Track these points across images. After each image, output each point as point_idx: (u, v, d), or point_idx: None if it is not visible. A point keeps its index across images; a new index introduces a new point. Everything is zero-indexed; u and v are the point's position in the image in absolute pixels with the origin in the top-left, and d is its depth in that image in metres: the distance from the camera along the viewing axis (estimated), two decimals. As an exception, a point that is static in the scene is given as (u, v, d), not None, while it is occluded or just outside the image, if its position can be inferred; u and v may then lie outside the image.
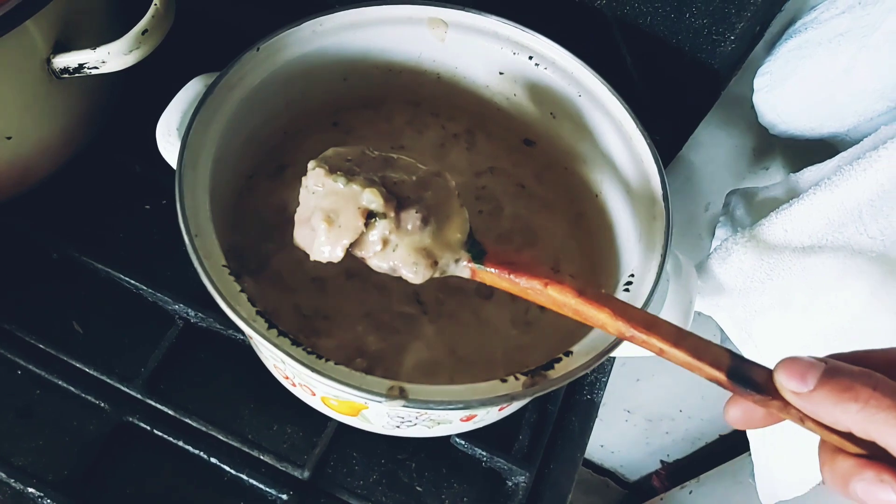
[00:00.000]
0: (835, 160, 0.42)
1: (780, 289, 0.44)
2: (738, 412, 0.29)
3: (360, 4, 0.44)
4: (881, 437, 0.25)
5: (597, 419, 1.13)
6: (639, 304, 0.36)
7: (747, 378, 0.28)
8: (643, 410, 1.08)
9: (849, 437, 0.26)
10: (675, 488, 1.12)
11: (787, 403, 0.27)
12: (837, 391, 0.25)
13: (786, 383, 0.27)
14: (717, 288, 0.46)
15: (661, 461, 1.18)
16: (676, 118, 0.52)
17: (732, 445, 1.02)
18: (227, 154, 0.40)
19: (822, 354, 0.44)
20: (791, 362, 0.27)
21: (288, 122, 0.46)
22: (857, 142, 0.43)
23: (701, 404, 1.00)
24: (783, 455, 0.55)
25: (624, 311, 0.32)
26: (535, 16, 0.45)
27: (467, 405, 0.32)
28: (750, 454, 0.59)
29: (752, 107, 0.50)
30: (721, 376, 0.29)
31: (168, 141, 0.39)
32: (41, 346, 0.45)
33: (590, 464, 1.27)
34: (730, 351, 0.29)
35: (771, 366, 0.28)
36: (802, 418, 0.27)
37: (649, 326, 0.31)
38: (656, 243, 0.38)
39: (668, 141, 0.53)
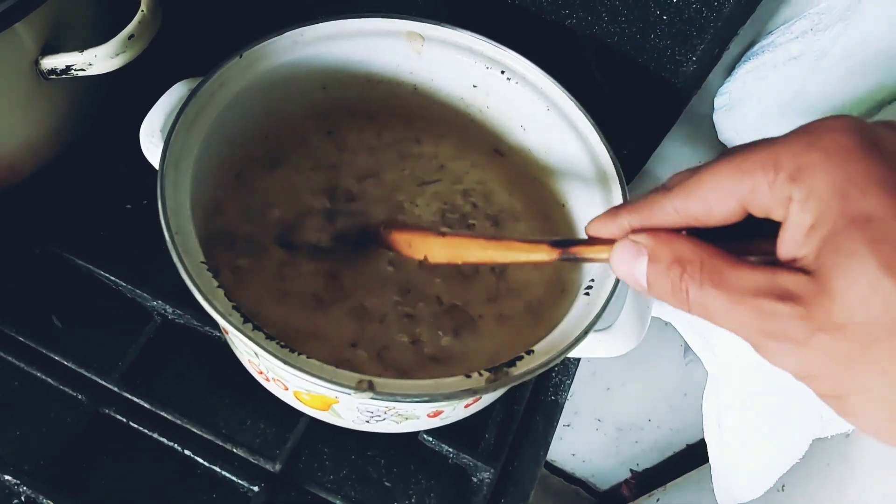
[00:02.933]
0: (786, 176, 0.45)
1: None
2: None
3: (340, 16, 0.45)
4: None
5: (568, 428, 1.14)
6: (597, 308, 0.38)
7: (579, 257, 0.32)
8: (613, 420, 1.10)
9: None
10: (643, 497, 1.14)
11: None
12: (669, 294, 0.27)
13: (621, 277, 0.29)
14: (675, 295, 0.49)
15: (631, 470, 1.20)
16: (641, 133, 0.54)
17: (699, 454, 1.04)
18: (209, 156, 0.41)
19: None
20: (618, 258, 0.28)
21: (268, 128, 0.47)
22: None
23: (669, 414, 1.02)
24: (739, 460, 0.57)
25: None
26: (508, 32, 0.47)
27: (432, 398, 0.34)
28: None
29: (713, 124, 0.52)
30: (554, 259, 0.32)
31: (151, 142, 0.41)
32: (20, 338, 0.45)
33: (561, 472, 1.29)
34: (551, 241, 0.32)
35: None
36: None
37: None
38: (616, 251, 0.40)
39: (633, 155, 0.55)
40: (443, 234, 0.38)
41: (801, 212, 0.24)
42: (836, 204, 0.23)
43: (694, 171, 0.27)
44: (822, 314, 0.23)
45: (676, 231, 0.27)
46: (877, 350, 0.22)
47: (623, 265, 0.28)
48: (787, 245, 0.24)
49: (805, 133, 0.24)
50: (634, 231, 0.28)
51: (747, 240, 0.27)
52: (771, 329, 0.24)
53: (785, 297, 0.23)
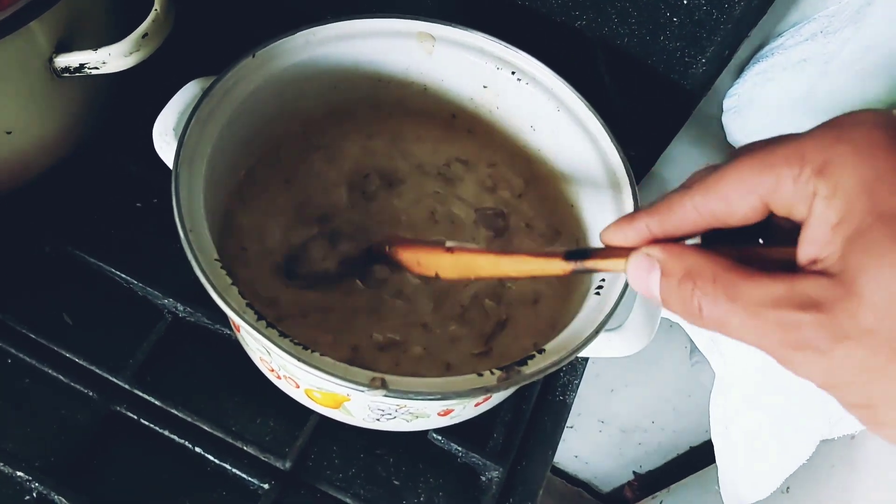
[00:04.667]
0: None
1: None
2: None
3: (352, 17, 0.46)
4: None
5: (571, 430, 1.14)
6: (608, 308, 0.38)
7: (593, 269, 0.31)
8: (617, 421, 1.10)
9: None
10: (647, 499, 1.14)
11: None
12: (682, 310, 0.26)
13: (637, 291, 0.28)
14: (684, 296, 0.49)
15: (634, 472, 1.20)
16: (650, 134, 0.54)
17: (702, 457, 1.04)
18: (221, 154, 0.41)
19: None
20: (633, 273, 0.27)
21: (279, 128, 0.47)
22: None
23: (673, 416, 1.02)
24: (746, 461, 0.57)
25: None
26: (518, 33, 0.47)
27: (445, 396, 0.34)
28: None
29: (722, 126, 0.53)
30: (567, 273, 0.31)
31: (164, 140, 0.41)
32: (32, 335, 0.46)
33: (564, 474, 1.29)
34: (564, 254, 0.31)
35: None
36: None
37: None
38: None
39: (641, 156, 0.56)
40: (450, 250, 0.37)
41: (825, 208, 0.22)
42: (863, 200, 0.22)
43: (715, 168, 0.26)
44: (847, 320, 0.21)
45: (696, 234, 0.27)
46: None
47: (638, 280, 0.27)
48: (809, 245, 0.23)
49: (833, 127, 0.23)
50: (653, 235, 0.27)
51: (765, 246, 0.26)
52: (792, 340, 0.22)
53: (806, 305, 0.22)
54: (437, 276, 0.38)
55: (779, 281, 0.23)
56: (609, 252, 0.29)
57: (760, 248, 0.26)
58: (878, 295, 0.21)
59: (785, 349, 0.23)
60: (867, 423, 0.23)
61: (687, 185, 0.27)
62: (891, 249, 0.21)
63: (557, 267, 0.31)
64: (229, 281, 0.35)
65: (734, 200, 0.25)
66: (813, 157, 0.23)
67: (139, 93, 0.50)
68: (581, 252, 0.31)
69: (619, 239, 0.28)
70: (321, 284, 0.43)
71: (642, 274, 0.27)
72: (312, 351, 0.34)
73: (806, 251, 0.23)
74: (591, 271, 0.31)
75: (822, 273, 0.22)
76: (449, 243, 0.37)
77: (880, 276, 0.21)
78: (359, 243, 0.44)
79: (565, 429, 0.50)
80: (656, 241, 0.27)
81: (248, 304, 0.35)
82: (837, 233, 0.22)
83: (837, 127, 0.23)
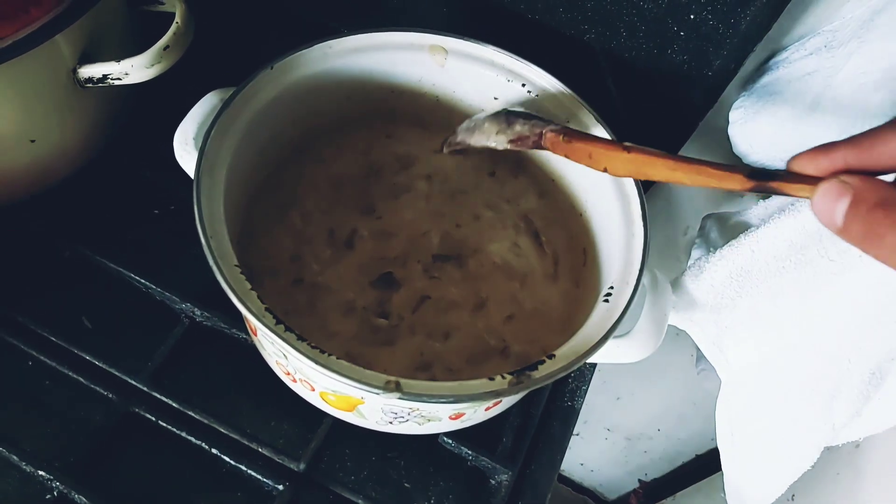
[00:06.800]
0: (800, 188, 0.46)
1: (749, 306, 0.47)
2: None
3: (367, 30, 0.47)
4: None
5: (577, 437, 1.14)
6: (616, 315, 0.39)
7: (777, 191, 0.30)
8: (623, 429, 1.10)
9: None
10: (652, 506, 1.15)
11: None
12: (861, 237, 0.26)
13: (818, 215, 0.28)
14: (690, 303, 0.50)
15: (640, 480, 1.21)
16: (658, 146, 0.55)
17: (708, 464, 1.04)
18: (240, 163, 0.42)
19: (786, 364, 0.47)
20: (822, 197, 0.27)
21: (295, 137, 0.49)
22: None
23: (678, 424, 1.03)
24: (751, 467, 0.58)
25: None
26: (528, 46, 0.48)
27: (457, 399, 0.35)
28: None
29: (728, 138, 0.54)
30: (746, 189, 0.31)
31: (185, 150, 0.42)
32: (52, 338, 0.47)
33: (569, 482, 1.29)
34: (747, 171, 0.31)
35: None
36: None
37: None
38: (634, 259, 0.41)
39: (649, 166, 0.57)
40: (627, 149, 0.37)
41: None
42: None
43: None
44: None
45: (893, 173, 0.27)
46: None
47: (825, 205, 0.27)
48: None
49: None
50: (848, 167, 0.27)
51: None
52: None
53: None
54: (605, 171, 0.38)
55: None
56: (794, 177, 0.29)
57: None
58: None
59: None
60: None
61: (894, 121, 0.27)
62: None
63: (737, 182, 0.31)
64: (248, 286, 0.36)
65: None
66: None
67: (158, 102, 0.51)
68: (765, 172, 0.30)
69: (810, 167, 0.28)
70: None
71: (831, 199, 0.27)
72: (329, 354, 0.35)
73: None
74: (772, 192, 0.30)
75: None
76: (626, 143, 0.37)
77: None
78: (534, 125, 0.43)
79: (571, 436, 0.51)
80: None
81: (266, 309, 0.36)
82: None
83: None
